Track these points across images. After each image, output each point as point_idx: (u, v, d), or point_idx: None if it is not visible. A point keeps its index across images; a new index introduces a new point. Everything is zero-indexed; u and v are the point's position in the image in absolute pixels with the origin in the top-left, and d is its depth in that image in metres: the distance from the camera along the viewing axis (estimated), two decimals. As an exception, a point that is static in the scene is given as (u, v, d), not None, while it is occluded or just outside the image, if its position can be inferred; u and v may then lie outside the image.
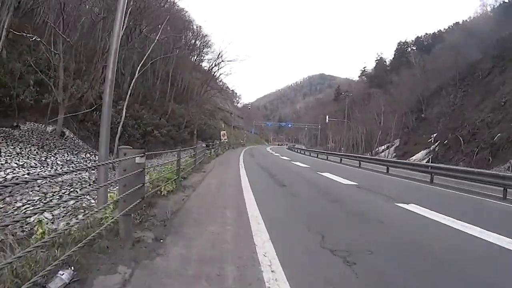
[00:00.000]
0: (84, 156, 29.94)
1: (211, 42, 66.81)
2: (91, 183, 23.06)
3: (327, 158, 39.93)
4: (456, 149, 54.49)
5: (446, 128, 65.12)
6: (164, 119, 49.06)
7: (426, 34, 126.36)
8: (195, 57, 72.89)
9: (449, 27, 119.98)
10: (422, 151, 69.42)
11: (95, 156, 31.10)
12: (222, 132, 49.62)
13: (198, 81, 59.13)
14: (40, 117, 31.65)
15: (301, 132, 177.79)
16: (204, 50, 68.82)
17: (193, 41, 64.53)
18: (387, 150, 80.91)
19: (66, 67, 32.36)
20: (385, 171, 24.73)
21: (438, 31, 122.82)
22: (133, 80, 32.63)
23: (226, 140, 49.87)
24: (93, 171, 25.01)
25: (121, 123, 30.99)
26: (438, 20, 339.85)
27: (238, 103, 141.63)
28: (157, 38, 35.72)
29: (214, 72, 59.80)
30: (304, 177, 19.91)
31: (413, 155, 69.43)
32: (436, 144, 66.02)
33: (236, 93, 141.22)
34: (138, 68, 32.40)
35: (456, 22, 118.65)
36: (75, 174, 23.67)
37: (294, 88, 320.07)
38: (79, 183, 22.16)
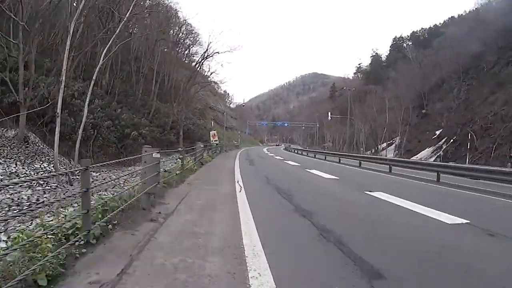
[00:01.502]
0: (39, 166, 23.73)
1: (199, 37, 60.57)
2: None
3: (339, 160, 33.12)
4: (468, 145, 49.84)
5: (453, 124, 61.37)
6: (147, 119, 42.49)
7: (422, 28, 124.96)
8: (183, 53, 66.21)
9: (445, 22, 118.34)
10: (427, 149, 65.31)
11: (60, 165, 25.49)
12: (211, 133, 42.66)
13: (185, 78, 52.35)
14: (3, 120, 25.79)
15: (295, 132, 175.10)
16: (192, 46, 62.32)
17: (179, 35, 58.23)
18: (387, 148, 77.27)
19: (27, 61, 26.49)
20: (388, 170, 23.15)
21: (434, 25, 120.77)
22: (97, 68, 26.13)
23: (217, 142, 42.44)
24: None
25: (81, 125, 25.14)
26: (433, 15, 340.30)
27: (230, 103, 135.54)
28: (126, 16, 29.49)
29: (201, 65, 52.78)
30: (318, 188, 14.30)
31: (418, 153, 65.38)
32: (443, 140, 61.83)
33: (228, 93, 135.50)
34: (103, 54, 26.14)
35: (452, 16, 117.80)
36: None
37: (287, 87, 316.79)
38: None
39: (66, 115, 30.44)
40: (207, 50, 47.84)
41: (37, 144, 26.58)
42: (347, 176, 19.88)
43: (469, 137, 49.74)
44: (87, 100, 25.34)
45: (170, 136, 44.24)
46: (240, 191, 12.09)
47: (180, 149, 19.44)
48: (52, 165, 24.28)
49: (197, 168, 20.37)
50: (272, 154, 49.57)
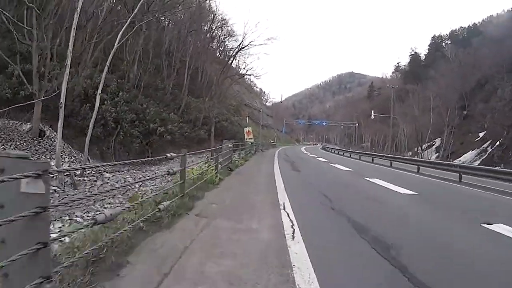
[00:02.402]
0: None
1: (234, 31, 56.56)
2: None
3: (391, 164, 29.26)
4: None
5: (498, 126, 56.66)
6: (176, 114, 39.70)
7: (461, 27, 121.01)
8: (217, 48, 62.49)
9: (483, 20, 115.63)
10: (470, 152, 60.93)
11: (73, 162, 23.15)
12: (246, 129, 38.10)
13: (219, 71, 48.76)
14: (21, 113, 25.17)
15: (331, 131, 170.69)
16: (226, 38, 57.96)
17: (212, 27, 54.80)
18: (428, 150, 72.31)
19: (43, 49, 24.38)
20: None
21: (473, 24, 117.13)
22: (112, 51, 23.29)
23: (252, 141, 37.62)
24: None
25: (93, 117, 22.43)
26: (472, 14, 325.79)
27: (266, 101, 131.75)
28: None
29: (235, 57, 49.13)
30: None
31: (461, 156, 60.73)
32: (488, 143, 57.87)
33: (264, 91, 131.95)
34: (119, 37, 23.26)
35: (491, 15, 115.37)
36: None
37: (323, 87, 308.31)
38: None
39: (87, 109, 28.69)
40: (242, 41, 44.38)
41: (53, 139, 24.21)
42: (430, 192, 14.03)
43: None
44: (100, 88, 22.74)
45: (200, 133, 41.12)
46: (293, 238, 6.10)
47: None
48: (66, 162, 21.95)
49: (222, 177, 14.34)
50: (313, 155, 44.28)
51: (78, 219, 11.74)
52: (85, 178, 20.73)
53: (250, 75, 47.77)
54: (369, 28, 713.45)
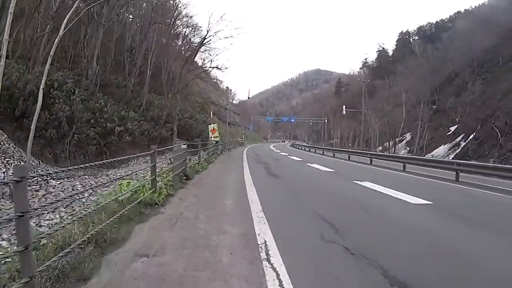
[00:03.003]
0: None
1: (199, 26, 52.75)
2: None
3: (371, 161, 25.73)
4: (491, 142, 45.32)
5: (470, 119, 56.43)
6: (137, 112, 35.72)
7: (429, 23, 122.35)
8: (183, 45, 58.73)
9: (451, 16, 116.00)
10: (442, 146, 59.33)
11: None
12: (210, 127, 32.52)
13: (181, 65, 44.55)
14: None
15: (299, 128, 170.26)
16: (190, 33, 53.85)
17: (179, 24, 50.97)
18: (398, 145, 71.07)
19: None
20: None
21: (440, 20, 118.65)
22: (56, 40, 19.24)
23: (217, 139, 31.96)
24: None
25: (35, 116, 18.23)
26: (439, 10, 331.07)
27: (233, 99, 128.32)
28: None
29: (199, 49, 44.62)
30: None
31: (432, 151, 59.29)
32: (461, 137, 56.41)
33: (230, 90, 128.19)
34: (66, 19, 19.28)
35: (458, 11, 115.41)
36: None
37: (290, 84, 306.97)
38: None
39: (40, 109, 23.35)
40: (207, 33, 40.28)
41: (2, 143, 20.69)
42: (448, 200, 10.91)
43: (497, 134, 43.96)
44: (42, 82, 18.75)
45: (162, 131, 37.11)
46: None
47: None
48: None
49: (172, 191, 10.06)
50: (284, 153, 40.87)
51: (4, 243, 8.91)
52: (28, 187, 16.89)
53: (214, 67, 43.06)
54: (335, 24, 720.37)
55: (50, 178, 19.14)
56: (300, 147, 67.55)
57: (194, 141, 21.39)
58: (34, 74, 25.89)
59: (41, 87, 18.36)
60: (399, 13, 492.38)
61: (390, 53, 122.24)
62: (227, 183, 13.33)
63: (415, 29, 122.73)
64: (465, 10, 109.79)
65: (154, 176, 8.73)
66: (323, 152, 42.79)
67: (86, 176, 22.49)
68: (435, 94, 71.09)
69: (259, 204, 8.88)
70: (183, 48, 56.68)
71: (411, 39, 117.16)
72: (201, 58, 48.66)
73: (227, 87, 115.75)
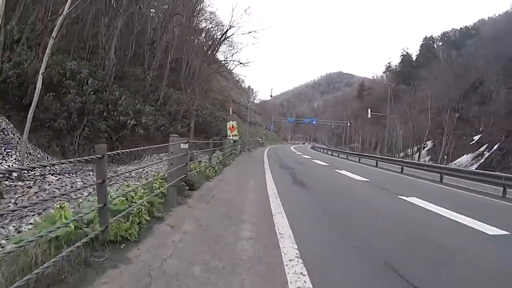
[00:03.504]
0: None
1: (223, 24, 49.85)
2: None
3: (402, 170, 22.82)
4: None
5: (494, 129, 54.55)
6: (153, 106, 34.06)
7: (453, 29, 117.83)
8: (206, 41, 55.77)
9: (475, 24, 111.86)
10: (465, 155, 57.60)
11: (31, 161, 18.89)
12: (229, 124, 29.11)
13: (202, 57, 41.63)
14: None
15: (319, 131, 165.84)
16: (212, 29, 51.39)
17: (201, 20, 48.62)
18: (419, 153, 68.64)
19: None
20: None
21: (465, 26, 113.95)
22: (58, 22, 16.82)
23: (236, 138, 28.27)
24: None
25: (34, 102, 16.00)
26: (464, 16, 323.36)
27: (254, 99, 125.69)
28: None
29: (221, 43, 41.65)
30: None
31: (455, 160, 57.73)
32: (485, 147, 54.70)
33: (252, 89, 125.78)
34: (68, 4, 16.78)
35: (482, 18, 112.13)
36: None
37: (311, 86, 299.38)
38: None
39: (50, 98, 24.12)
40: (230, 27, 37.65)
41: (7, 133, 19.76)
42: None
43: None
44: (43, 66, 16.64)
45: (178, 127, 34.59)
46: None
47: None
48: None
49: (163, 214, 6.32)
50: (307, 156, 36.65)
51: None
52: (21, 183, 15.24)
53: (236, 61, 40.24)
54: (359, 28, 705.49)
55: (49, 173, 17.15)
56: (321, 150, 64.14)
57: (208, 140, 18.23)
58: (44, 62, 23.87)
59: (40, 72, 16.57)
60: (423, 18, 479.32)
61: (414, 58, 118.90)
62: (245, 197, 9.69)
63: (439, 34, 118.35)
64: (488, 18, 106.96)
65: (103, 204, 4.23)
66: (347, 157, 39.45)
67: (90, 173, 20.33)
68: (459, 102, 68.04)
69: (293, 243, 5.49)
70: (204, 43, 54.12)
71: (435, 45, 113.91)
72: (224, 54, 46.06)
73: (248, 86, 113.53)
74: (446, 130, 60.01)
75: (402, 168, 23.15)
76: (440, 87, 72.52)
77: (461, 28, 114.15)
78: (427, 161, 57.66)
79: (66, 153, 24.79)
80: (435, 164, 30.13)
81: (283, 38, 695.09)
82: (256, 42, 75.29)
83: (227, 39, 39.60)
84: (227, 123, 29.87)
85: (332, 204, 9.60)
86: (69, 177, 17.95)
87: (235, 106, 74.54)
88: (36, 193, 14.56)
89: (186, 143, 7.72)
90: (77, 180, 17.86)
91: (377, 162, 28.55)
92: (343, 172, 19.08)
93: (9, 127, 19.91)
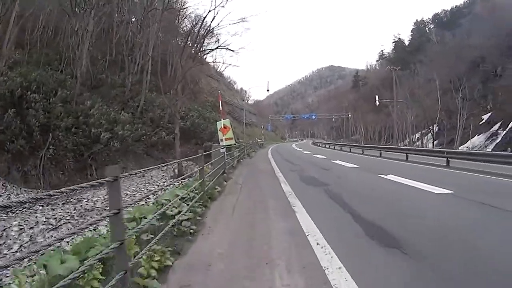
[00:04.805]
0: None
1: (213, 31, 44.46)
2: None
3: (447, 163, 17.74)
4: None
5: (508, 106, 49.68)
6: (133, 114, 29.13)
7: (444, 10, 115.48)
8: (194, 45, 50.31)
9: (464, 3, 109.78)
10: (477, 136, 53.30)
11: None
12: (220, 124, 15.88)
13: (183, 51, 35.77)
14: None
15: (316, 126, 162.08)
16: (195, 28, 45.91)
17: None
18: (425, 138, 66.06)
19: None
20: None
21: (455, 6, 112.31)
22: None
23: (232, 142, 18.33)
24: None
25: None
26: None
27: (248, 99, 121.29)
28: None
29: (205, 34, 35.89)
30: None
31: (465, 142, 53.32)
32: (498, 125, 50.62)
33: (245, 90, 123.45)
34: None
35: None
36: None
37: (304, 82, 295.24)
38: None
39: (11, 116, 20.68)
40: (210, 11, 32.73)
41: None
42: None
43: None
44: None
45: (163, 135, 29.83)
46: None
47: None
48: None
49: None
50: (321, 156, 28.20)
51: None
52: None
53: (224, 47, 34.26)
54: (346, 20, 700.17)
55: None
56: (324, 145, 59.96)
57: (201, 146, 13.15)
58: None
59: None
60: (412, 2, 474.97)
61: (407, 43, 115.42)
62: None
63: (430, 17, 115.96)
64: None
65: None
66: (362, 151, 33.04)
67: (60, 204, 15.72)
68: (461, 82, 61.76)
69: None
70: (186, 36, 49.10)
71: (427, 28, 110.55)
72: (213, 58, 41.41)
73: (241, 88, 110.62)
74: (460, 111, 55.33)
75: (447, 161, 17.76)
76: (441, 68, 68.02)
77: (452, 8, 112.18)
78: (434, 146, 54.69)
79: (28, 180, 20.60)
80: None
81: (272, 37, 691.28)
82: (248, 29, 71.03)
83: (212, 31, 34.50)
84: (217, 122, 20.58)
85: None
86: (27, 214, 13.43)
87: (228, 107, 69.47)
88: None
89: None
90: (37, 215, 13.40)
91: (407, 156, 22.56)
92: (390, 177, 12.90)
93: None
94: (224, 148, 12.85)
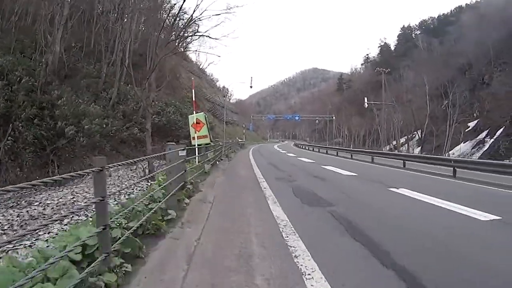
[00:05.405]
0: None
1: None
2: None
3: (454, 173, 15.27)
4: None
5: (495, 114, 50.82)
6: (105, 107, 26.57)
7: (431, 17, 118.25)
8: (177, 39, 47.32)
9: (452, 11, 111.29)
10: (463, 144, 52.95)
11: None
12: (192, 118, 16.01)
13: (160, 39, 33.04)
14: None
15: (298, 128, 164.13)
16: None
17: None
18: (407, 144, 65.07)
19: None
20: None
21: (443, 14, 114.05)
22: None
23: (207, 141, 16.40)
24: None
25: None
26: (439, 5, 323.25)
27: (230, 98, 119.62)
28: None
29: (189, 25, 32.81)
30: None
31: (452, 149, 52.62)
32: (485, 133, 50.70)
33: (227, 88, 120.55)
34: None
35: (460, 6, 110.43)
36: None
37: (287, 83, 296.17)
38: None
39: None
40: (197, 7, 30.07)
41: None
42: None
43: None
44: None
45: (135, 131, 27.56)
46: None
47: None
48: None
49: None
50: (308, 160, 25.44)
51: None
52: None
53: (204, 35, 30.95)
54: (331, 23, 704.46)
55: None
56: (306, 147, 58.91)
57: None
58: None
59: None
60: (399, 8, 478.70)
61: (392, 48, 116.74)
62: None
63: (417, 24, 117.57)
64: (466, 5, 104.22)
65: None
66: (351, 155, 30.82)
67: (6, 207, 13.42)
68: (448, 88, 61.01)
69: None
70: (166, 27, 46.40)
71: (413, 34, 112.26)
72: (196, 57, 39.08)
73: (223, 86, 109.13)
74: (450, 116, 54.57)
75: (455, 170, 15.55)
76: (428, 73, 67.10)
77: (439, 16, 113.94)
78: (419, 153, 54.59)
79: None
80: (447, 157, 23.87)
81: (256, 36, 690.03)
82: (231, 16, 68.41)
83: (195, 21, 31.66)
84: (189, 116, 17.50)
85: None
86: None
87: (209, 105, 67.08)
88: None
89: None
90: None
91: (404, 163, 20.49)
92: (400, 191, 10.10)
93: None
94: (185, 150, 8.37)
